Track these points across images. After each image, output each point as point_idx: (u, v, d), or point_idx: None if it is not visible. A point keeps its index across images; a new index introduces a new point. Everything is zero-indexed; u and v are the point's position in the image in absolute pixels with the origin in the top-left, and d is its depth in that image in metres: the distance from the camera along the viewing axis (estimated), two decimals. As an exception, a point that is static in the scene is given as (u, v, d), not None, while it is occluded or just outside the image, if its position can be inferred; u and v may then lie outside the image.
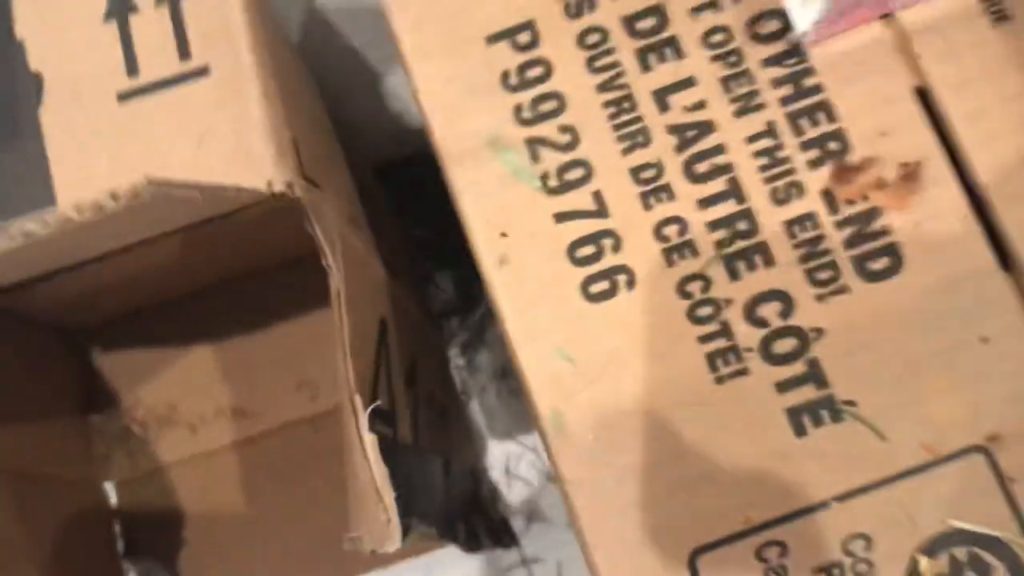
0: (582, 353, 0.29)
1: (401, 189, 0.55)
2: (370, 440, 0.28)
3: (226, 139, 0.30)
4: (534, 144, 0.30)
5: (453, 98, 0.31)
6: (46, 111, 0.30)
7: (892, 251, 0.28)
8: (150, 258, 0.44)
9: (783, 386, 0.28)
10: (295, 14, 0.42)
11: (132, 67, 0.31)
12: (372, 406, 0.29)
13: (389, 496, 0.28)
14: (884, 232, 0.29)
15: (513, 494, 0.53)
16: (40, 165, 0.30)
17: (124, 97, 0.30)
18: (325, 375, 0.54)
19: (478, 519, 0.50)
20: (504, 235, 0.30)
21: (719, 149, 0.30)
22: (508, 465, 0.53)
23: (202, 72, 0.30)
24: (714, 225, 0.29)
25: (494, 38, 0.31)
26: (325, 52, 0.44)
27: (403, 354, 0.40)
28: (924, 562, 0.27)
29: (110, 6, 0.31)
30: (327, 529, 0.51)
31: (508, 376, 0.55)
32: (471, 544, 0.48)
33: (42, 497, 0.48)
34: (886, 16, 0.30)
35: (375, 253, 0.39)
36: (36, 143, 0.30)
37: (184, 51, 0.31)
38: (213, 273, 0.54)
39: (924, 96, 0.29)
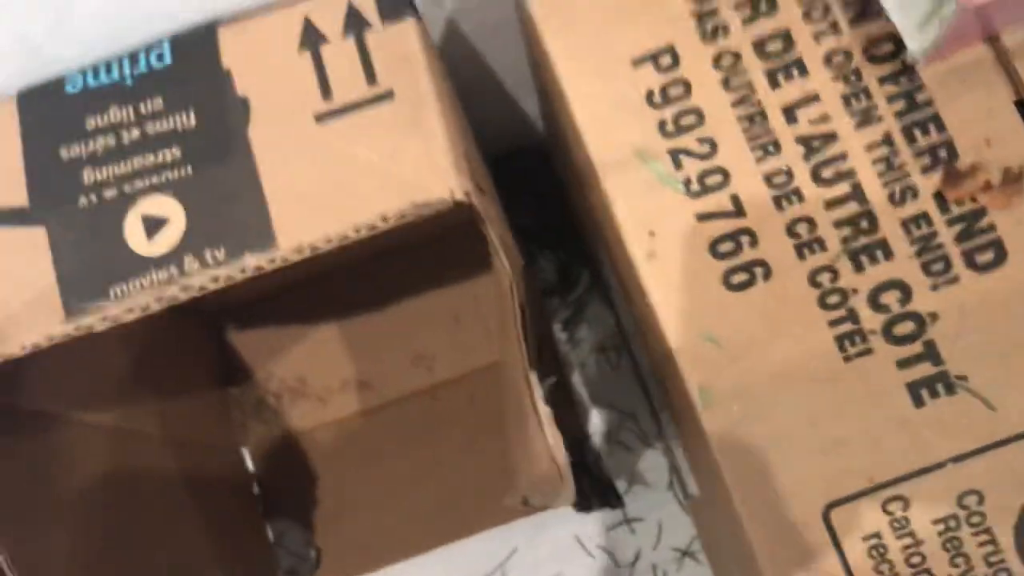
0: (726, 336, 0.33)
1: (505, 181, 0.60)
2: (545, 412, 0.33)
3: (413, 155, 0.34)
4: (677, 154, 0.35)
5: (604, 114, 0.36)
6: (253, 131, 0.35)
7: (997, 246, 0.33)
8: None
9: (903, 363, 0.33)
10: (432, 27, 0.46)
11: (326, 91, 0.35)
12: (548, 381, 0.33)
13: (564, 461, 0.33)
14: (990, 229, 0.33)
15: (614, 459, 0.58)
16: (252, 180, 0.34)
17: (320, 118, 0.35)
18: (439, 349, 0.59)
19: (586, 481, 0.55)
20: (652, 233, 0.35)
21: (842, 157, 0.34)
22: (609, 432, 0.58)
23: (388, 96, 0.35)
24: (839, 224, 0.34)
25: (639, 61, 0.36)
26: (455, 61, 0.48)
27: (535, 333, 0.45)
28: (1030, 513, 0.31)
29: (304, 37, 0.36)
30: (447, 489, 0.57)
31: (607, 350, 0.59)
32: (582, 504, 0.53)
33: (194, 461, 0.54)
34: (990, 37, 0.34)
35: (515, 244, 0.44)
36: (247, 159, 0.35)
37: (371, 77, 0.35)
38: (337, 258, 0.58)
39: (1024, 108, 0.34)
